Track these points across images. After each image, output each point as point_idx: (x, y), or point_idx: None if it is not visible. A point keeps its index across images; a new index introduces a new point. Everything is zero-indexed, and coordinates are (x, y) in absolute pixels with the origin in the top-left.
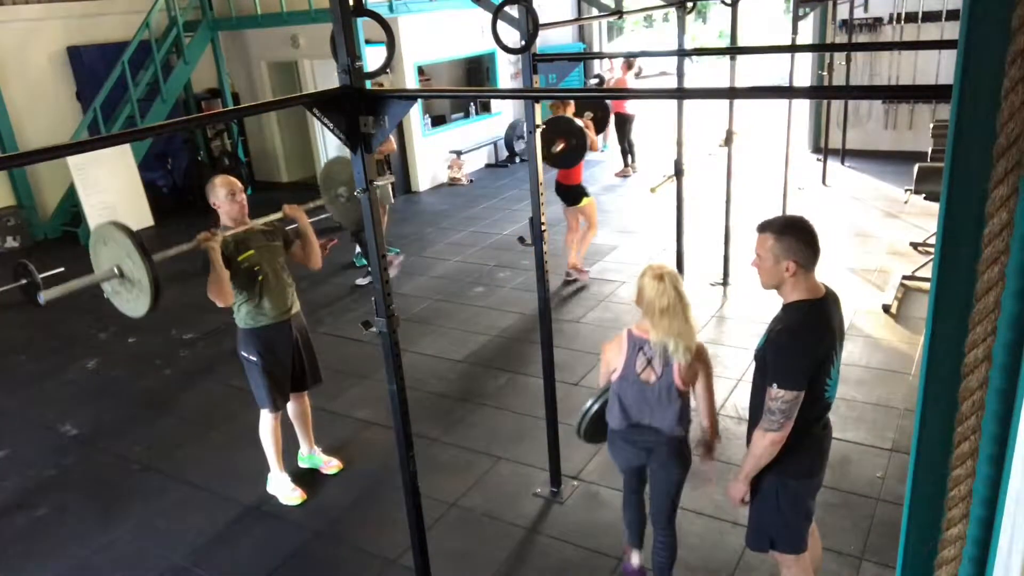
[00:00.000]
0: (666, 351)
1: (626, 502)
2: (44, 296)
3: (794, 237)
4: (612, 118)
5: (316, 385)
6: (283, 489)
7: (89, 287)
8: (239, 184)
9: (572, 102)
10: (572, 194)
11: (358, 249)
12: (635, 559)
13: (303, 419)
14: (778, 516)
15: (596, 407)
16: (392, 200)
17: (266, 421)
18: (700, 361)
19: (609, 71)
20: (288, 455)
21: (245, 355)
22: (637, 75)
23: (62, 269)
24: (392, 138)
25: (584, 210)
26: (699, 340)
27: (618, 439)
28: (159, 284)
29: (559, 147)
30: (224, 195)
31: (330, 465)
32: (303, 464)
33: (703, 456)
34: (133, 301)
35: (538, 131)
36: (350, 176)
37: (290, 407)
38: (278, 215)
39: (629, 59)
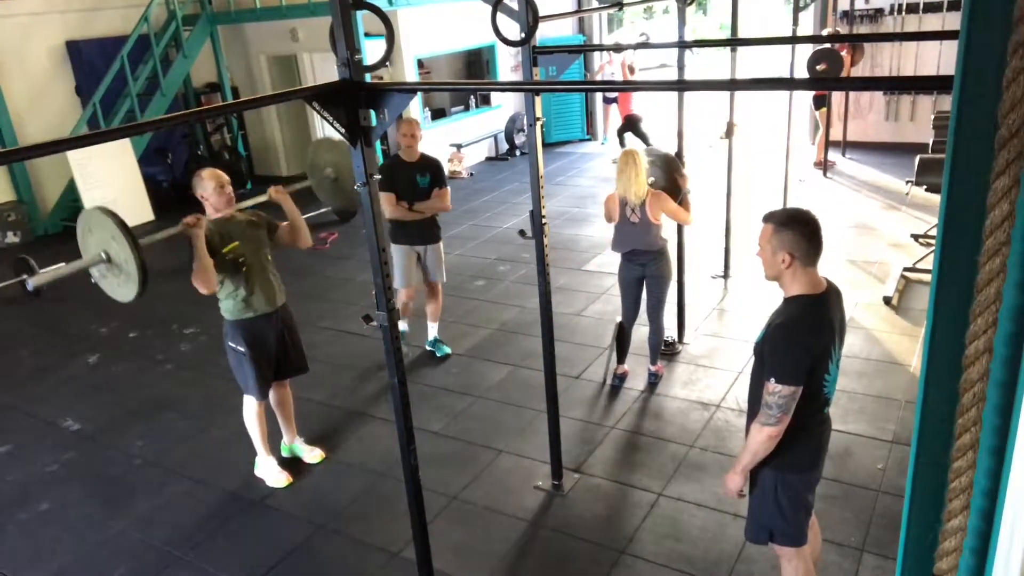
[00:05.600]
0: (628, 200)
1: (624, 315)
2: (33, 282)
3: (794, 230)
4: (615, 116)
5: (301, 373)
6: (270, 472)
7: (78, 272)
8: (226, 177)
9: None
10: (822, 100)
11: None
12: (621, 370)
13: (285, 408)
14: (777, 510)
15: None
16: (444, 277)
17: (251, 407)
18: (656, 200)
19: (602, 68)
20: (273, 445)
21: (233, 345)
22: (631, 71)
23: (63, 265)
24: (447, 193)
25: (823, 113)
26: (653, 190)
27: (624, 260)
28: (146, 268)
29: (821, 67)
30: (212, 187)
31: (313, 454)
32: (285, 454)
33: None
34: (121, 286)
35: (539, 124)
36: (336, 158)
37: (271, 395)
38: (263, 198)
39: (630, 64)
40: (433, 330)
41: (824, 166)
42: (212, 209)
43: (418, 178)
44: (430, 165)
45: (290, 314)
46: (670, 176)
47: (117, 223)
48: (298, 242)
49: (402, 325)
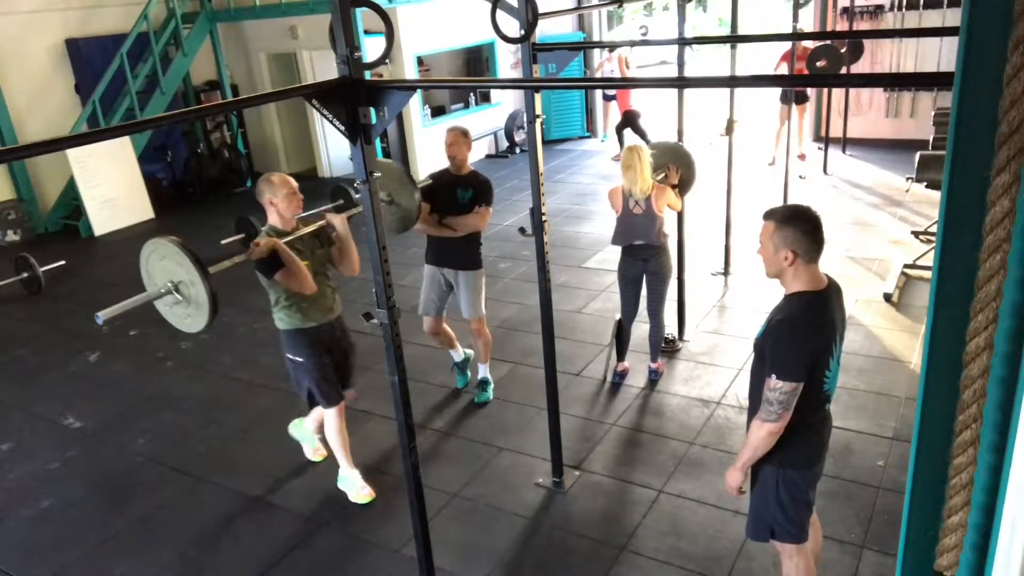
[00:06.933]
0: (632, 194)
1: (624, 312)
2: (102, 316)
3: (795, 227)
4: (614, 113)
5: (345, 390)
6: (353, 486)
7: (145, 304)
8: (295, 183)
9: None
10: (803, 96)
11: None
12: (621, 367)
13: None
14: (778, 506)
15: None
16: (480, 311)
17: (331, 419)
18: (660, 193)
19: (601, 65)
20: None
21: (291, 357)
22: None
23: (63, 263)
24: (487, 212)
25: (784, 109)
26: (658, 183)
27: (624, 256)
28: (217, 300)
29: (822, 63)
30: (285, 194)
31: (317, 452)
32: (293, 432)
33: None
34: (188, 317)
35: (538, 121)
36: (388, 182)
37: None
38: (321, 223)
39: (625, 58)
40: (482, 370)
41: (775, 162)
42: (277, 216)
43: (459, 192)
44: (475, 181)
45: (344, 326)
46: (685, 165)
47: (189, 255)
48: (343, 267)
49: (454, 355)
